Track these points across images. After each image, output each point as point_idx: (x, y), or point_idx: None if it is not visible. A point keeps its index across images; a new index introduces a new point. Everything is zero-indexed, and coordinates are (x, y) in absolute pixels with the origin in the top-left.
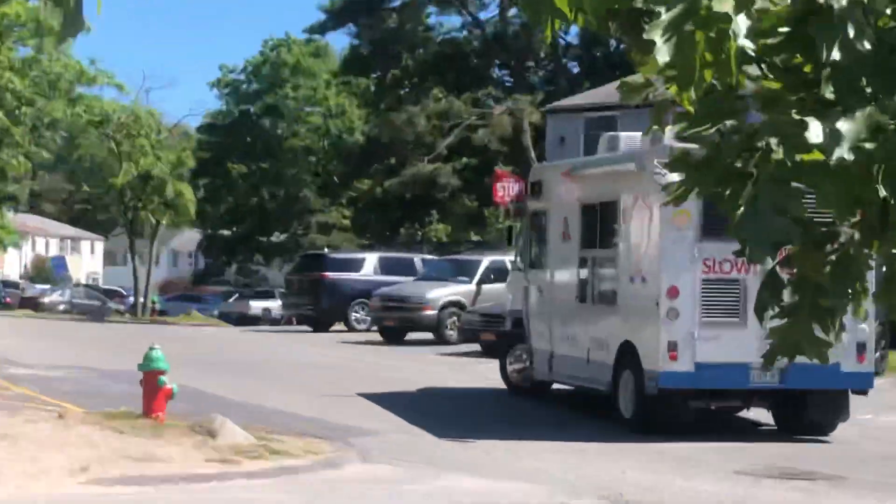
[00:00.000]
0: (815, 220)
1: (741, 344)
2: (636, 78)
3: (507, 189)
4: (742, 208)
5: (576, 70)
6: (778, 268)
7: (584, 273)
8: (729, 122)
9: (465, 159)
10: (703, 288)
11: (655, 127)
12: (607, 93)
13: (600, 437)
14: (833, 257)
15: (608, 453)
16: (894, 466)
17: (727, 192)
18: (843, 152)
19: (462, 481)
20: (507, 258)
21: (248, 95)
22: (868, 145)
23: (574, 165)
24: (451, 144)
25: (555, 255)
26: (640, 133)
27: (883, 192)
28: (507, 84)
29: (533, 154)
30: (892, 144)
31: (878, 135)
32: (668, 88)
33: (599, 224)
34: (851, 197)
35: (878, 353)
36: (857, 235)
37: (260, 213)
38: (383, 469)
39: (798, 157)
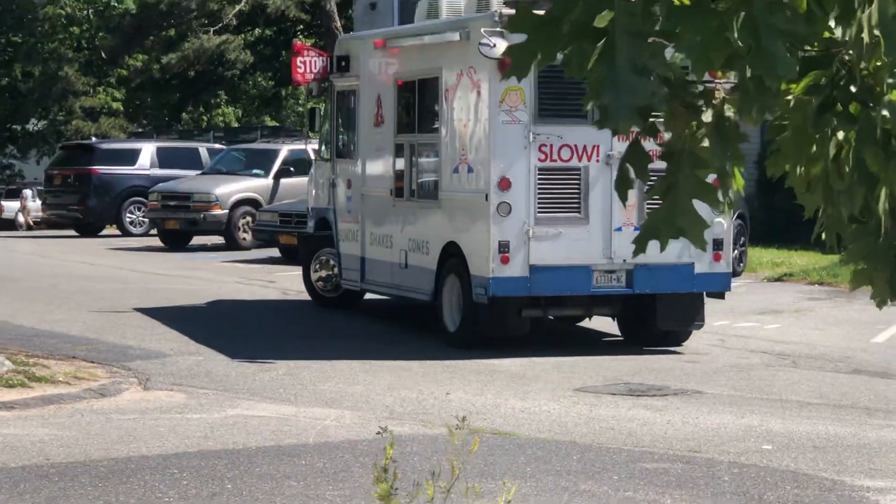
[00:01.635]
0: (684, 78)
1: (582, 243)
2: None
3: (308, 65)
4: (596, 70)
5: None
6: (640, 138)
7: (400, 163)
8: None
9: (258, 30)
10: (538, 178)
11: None
12: None
13: (421, 354)
14: (708, 121)
15: (431, 373)
16: (752, 378)
17: (575, 53)
18: None
19: (260, 408)
20: (310, 147)
21: None
22: None
23: (388, 35)
24: (242, 12)
25: (366, 143)
26: None
27: (741, 44)
28: None
29: (339, 24)
30: None
31: None
32: None
33: (418, 105)
34: (715, 46)
35: (735, 252)
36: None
37: (11, 96)
38: (167, 396)
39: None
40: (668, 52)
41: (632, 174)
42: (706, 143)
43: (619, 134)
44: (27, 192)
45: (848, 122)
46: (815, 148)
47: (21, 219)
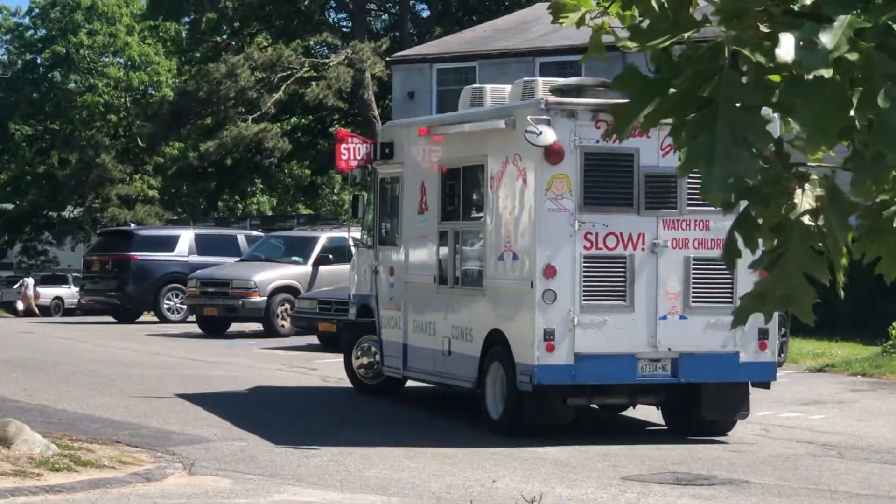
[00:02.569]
0: (783, 154)
1: (627, 331)
2: None
3: (352, 151)
4: (696, 139)
5: (426, 14)
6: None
7: (444, 250)
8: (687, 35)
9: (295, 119)
10: (584, 266)
11: (594, 54)
12: (463, 40)
13: (465, 441)
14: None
15: (476, 460)
16: (798, 469)
17: (680, 121)
18: (820, 66)
19: (306, 494)
20: (349, 234)
21: (35, 43)
22: (850, 56)
23: (432, 123)
24: (280, 101)
25: (409, 230)
26: (508, 86)
27: (859, 119)
28: (345, 30)
29: (377, 112)
30: (878, 59)
31: (858, 45)
32: (606, 9)
33: (462, 192)
34: (832, 118)
35: (777, 342)
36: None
37: (49, 183)
38: (212, 481)
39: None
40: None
41: (740, 243)
42: (807, 219)
43: (714, 205)
44: (28, 281)
45: None
46: None
47: (21, 305)
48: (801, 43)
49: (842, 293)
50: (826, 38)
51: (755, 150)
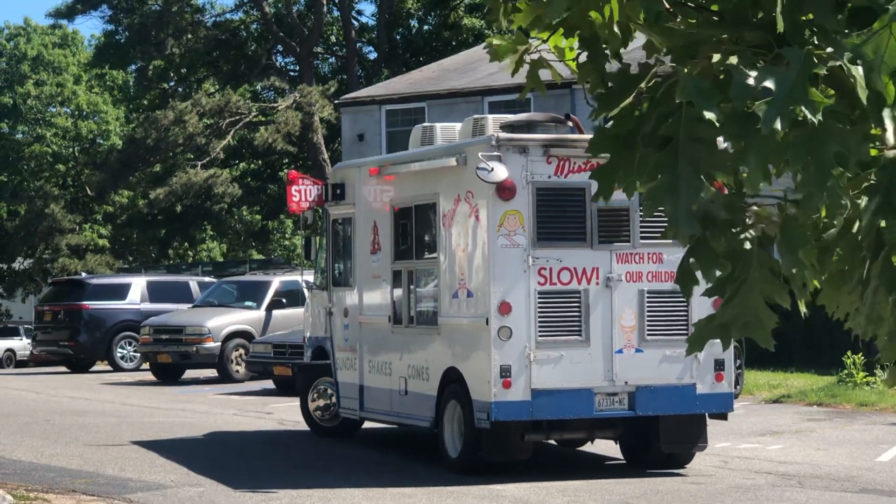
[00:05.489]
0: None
1: (584, 366)
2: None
3: (303, 193)
4: (661, 177)
5: (373, 56)
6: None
7: (398, 290)
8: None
9: (245, 164)
10: (539, 302)
11: (533, 88)
12: (411, 81)
13: (424, 481)
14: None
15: (436, 499)
16: (759, 499)
17: (641, 160)
18: (774, 123)
19: None
20: (302, 277)
21: None
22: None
23: (383, 162)
24: (229, 146)
25: (363, 270)
26: (458, 124)
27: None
28: (293, 74)
29: (326, 155)
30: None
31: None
32: (545, 41)
33: (415, 231)
34: (773, 159)
35: (734, 373)
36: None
37: None
38: None
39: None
40: None
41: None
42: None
43: (682, 242)
44: None
45: None
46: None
47: None
48: (745, 88)
49: (804, 312)
50: (780, 90)
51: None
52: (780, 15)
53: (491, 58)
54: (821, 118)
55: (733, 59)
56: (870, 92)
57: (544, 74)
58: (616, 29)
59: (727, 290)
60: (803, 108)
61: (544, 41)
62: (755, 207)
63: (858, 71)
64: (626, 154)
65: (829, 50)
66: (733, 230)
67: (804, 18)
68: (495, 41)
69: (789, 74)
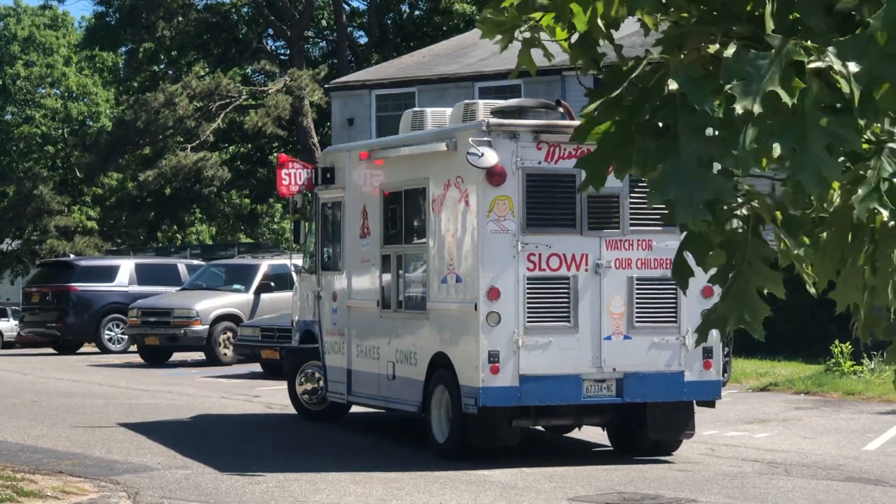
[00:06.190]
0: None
1: (572, 352)
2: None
3: (293, 177)
4: (662, 166)
5: (364, 40)
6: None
7: (387, 274)
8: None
9: (234, 147)
10: (527, 288)
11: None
12: (402, 66)
13: (411, 465)
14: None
15: (422, 484)
16: (745, 487)
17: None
18: (749, 101)
19: None
20: (290, 262)
21: None
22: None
23: (373, 147)
24: (219, 130)
25: (352, 254)
26: (449, 109)
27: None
28: (283, 57)
29: (316, 139)
30: (815, 89)
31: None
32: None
33: (405, 216)
34: (761, 144)
35: (721, 361)
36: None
37: None
38: None
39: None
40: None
41: (691, 262)
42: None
43: (687, 230)
44: None
45: None
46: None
47: None
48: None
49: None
50: (758, 71)
51: (731, 169)
52: (770, 16)
53: (483, 33)
54: (796, 101)
55: (728, 51)
56: (854, 87)
57: (537, 57)
58: (600, 22)
59: (726, 280)
60: (779, 90)
61: (537, 21)
62: (745, 187)
63: (847, 67)
64: (616, 143)
65: (814, 45)
66: (726, 219)
67: (792, 17)
68: (488, 14)
69: (770, 58)
